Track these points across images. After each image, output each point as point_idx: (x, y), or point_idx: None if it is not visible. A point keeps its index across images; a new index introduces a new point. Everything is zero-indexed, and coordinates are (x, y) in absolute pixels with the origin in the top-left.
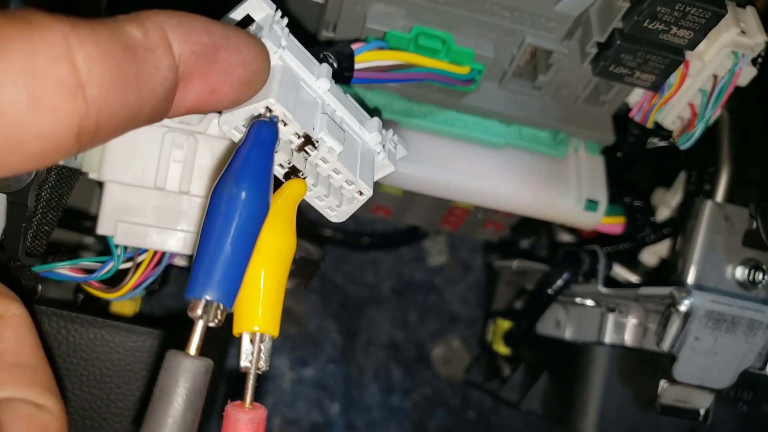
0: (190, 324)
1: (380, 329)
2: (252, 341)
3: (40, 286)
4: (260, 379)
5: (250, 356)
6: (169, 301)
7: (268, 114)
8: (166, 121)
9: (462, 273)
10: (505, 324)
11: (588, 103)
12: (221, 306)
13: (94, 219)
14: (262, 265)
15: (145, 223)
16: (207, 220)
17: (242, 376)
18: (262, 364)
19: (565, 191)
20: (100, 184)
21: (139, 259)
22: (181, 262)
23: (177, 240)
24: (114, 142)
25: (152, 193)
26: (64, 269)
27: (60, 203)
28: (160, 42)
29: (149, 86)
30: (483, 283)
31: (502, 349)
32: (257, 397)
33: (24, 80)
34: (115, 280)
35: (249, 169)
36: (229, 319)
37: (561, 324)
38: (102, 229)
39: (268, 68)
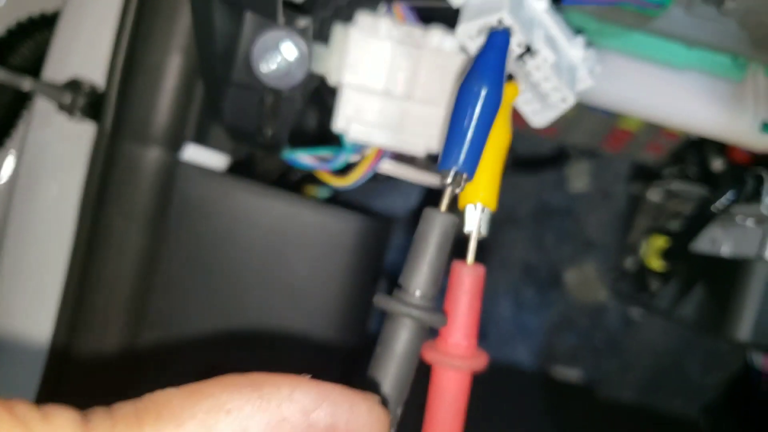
0: None
1: (515, 249)
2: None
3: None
4: None
5: (473, 223)
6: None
7: (500, 26)
8: (394, 34)
9: (602, 200)
10: (659, 240)
11: None
12: (465, 175)
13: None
14: (485, 152)
15: (373, 123)
16: (455, 110)
17: None
18: (482, 231)
19: (742, 112)
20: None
21: (365, 152)
22: (388, 167)
23: (399, 140)
24: (350, 53)
25: (381, 97)
26: (305, 157)
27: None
28: None
29: None
30: (622, 212)
31: (656, 263)
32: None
33: None
34: (340, 173)
35: (488, 70)
36: None
37: (717, 241)
38: (337, 126)
39: None
